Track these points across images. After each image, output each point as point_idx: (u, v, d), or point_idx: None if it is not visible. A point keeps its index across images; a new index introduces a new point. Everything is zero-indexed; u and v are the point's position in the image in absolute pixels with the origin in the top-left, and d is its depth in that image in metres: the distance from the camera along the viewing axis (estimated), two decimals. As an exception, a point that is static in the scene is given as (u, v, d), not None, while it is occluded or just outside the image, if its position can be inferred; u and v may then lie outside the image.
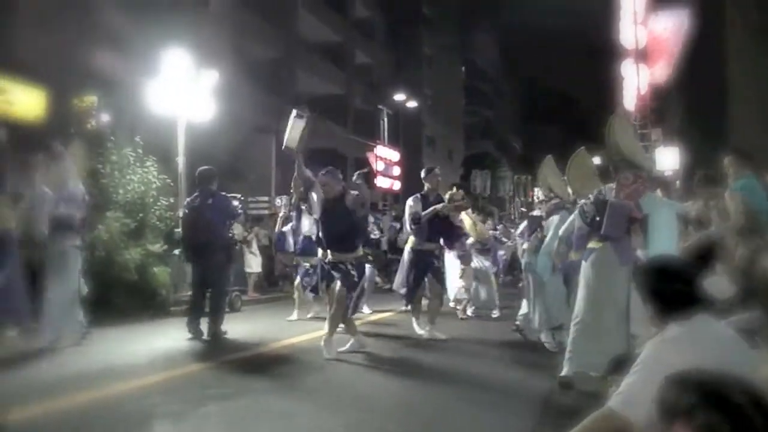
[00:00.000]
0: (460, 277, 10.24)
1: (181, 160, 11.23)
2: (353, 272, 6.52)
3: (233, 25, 23.07)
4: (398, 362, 6.43)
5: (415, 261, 7.84)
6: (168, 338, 7.46)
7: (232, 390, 5.02)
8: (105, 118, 12.25)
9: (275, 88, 27.25)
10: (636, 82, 13.83)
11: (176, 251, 10.81)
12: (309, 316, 9.77)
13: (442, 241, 8.10)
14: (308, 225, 8.96)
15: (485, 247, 10.50)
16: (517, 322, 7.73)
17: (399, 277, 8.23)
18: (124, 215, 10.80)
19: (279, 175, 21.24)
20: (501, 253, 10.92)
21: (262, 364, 6.24)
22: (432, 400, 4.77)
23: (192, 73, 11.73)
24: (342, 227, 6.50)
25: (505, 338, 7.79)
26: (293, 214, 9.83)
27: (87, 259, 9.68)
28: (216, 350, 6.96)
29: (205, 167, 8.50)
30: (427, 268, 7.83)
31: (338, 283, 6.48)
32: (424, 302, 8.28)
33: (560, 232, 6.30)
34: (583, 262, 5.12)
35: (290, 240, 10.39)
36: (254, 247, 13.94)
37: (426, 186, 8.08)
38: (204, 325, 7.69)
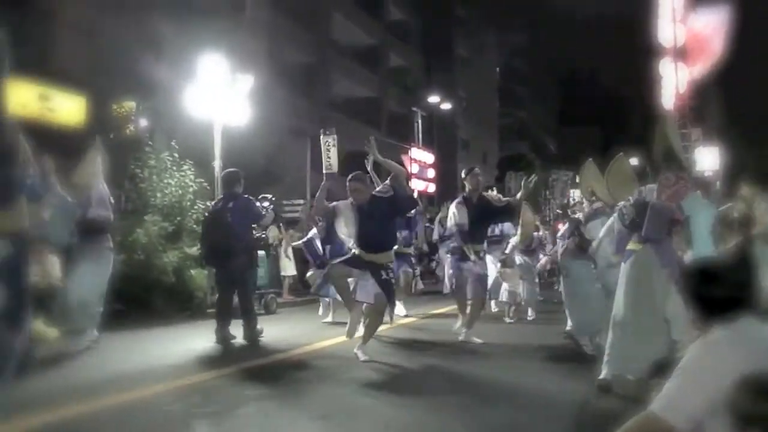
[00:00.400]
0: (504, 280, 10.05)
1: (217, 164, 11.35)
2: (391, 278, 6.44)
3: (268, 30, 23.27)
4: (433, 365, 6.39)
5: (457, 265, 7.74)
6: (205, 339, 7.51)
7: (269, 391, 5.04)
8: (143, 123, 12.44)
9: (310, 91, 27.44)
10: (675, 81, 13.58)
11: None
12: (327, 320, 9.67)
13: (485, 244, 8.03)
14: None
15: (529, 248, 10.37)
16: (568, 328, 7.63)
17: (446, 282, 8.19)
18: (162, 219, 10.97)
19: (314, 178, 21.34)
20: (541, 256, 10.71)
21: (297, 366, 6.25)
22: (466, 404, 4.73)
23: (228, 77, 11.85)
24: (381, 229, 6.41)
25: (542, 342, 7.70)
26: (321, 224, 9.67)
27: (126, 262, 9.90)
28: (251, 352, 6.99)
29: (230, 170, 8.51)
30: (468, 272, 7.68)
31: (376, 290, 6.27)
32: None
33: (600, 234, 6.23)
34: (623, 264, 5.03)
35: (318, 245, 10.43)
36: (289, 250, 14.01)
37: (467, 187, 7.86)
38: (233, 329, 7.68)
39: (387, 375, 5.73)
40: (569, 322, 7.42)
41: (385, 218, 6.44)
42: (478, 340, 7.47)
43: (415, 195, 9.33)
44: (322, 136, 7.03)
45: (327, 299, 9.40)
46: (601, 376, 4.91)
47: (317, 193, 6.87)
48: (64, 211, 6.77)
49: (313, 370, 6.05)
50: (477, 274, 7.68)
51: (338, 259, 6.80)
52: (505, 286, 10.04)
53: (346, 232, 6.61)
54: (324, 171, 6.99)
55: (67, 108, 14.24)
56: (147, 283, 10.02)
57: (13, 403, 4.50)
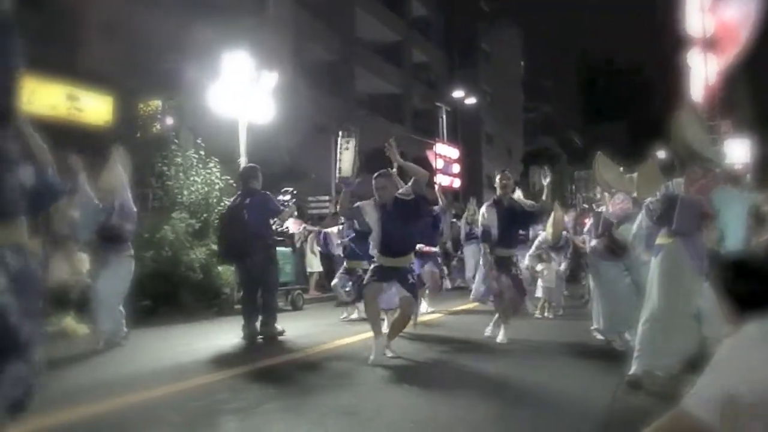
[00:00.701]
0: (539, 277, 10.04)
1: (242, 161, 11.40)
2: (415, 280, 6.35)
3: (292, 27, 23.35)
4: (459, 362, 6.36)
5: (492, 267, 7.44)
6: (232, 336, 7.56)
7: (294, 388, 5.05)
8: (169, 121, 12.55)
9: (334, 88, 27.49)
10: (703, 72, 13.30)
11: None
12: (342, 317, 9.71)
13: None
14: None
15: (558, 245, 10.26)
16: (596, 325, 7.56)
17: (475, 288, 7.87)
18: (189, 216, 11.08)
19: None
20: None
21: (322, 363, 6.25)
22: (493, 401, 4.70)
23: (252, 75, 11.90)
24: (404, 232, 6.23)
25: (569, 338, 7.64)
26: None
27: (154, 259, 10.01)
28: (277, 349, 7.02)
29: (247, 165, 8.51)
30: (504, 274, 7.40)
31: (402, 293, 6.14)
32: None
33: (633, 231, 6.15)
34: (653, 259, 4.97)
35: (335, 241, 10.42)
36: (315, 246, 14.05)
37: (498, 190, 7.62)
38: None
39: (412, 372, 5.72)
40: (598, 319, 7.35)
41: (407, 221, 6.23)
42: (504, 340, 7.26)
43: (438, 195, 9.05)
44: (340, 138, 6.82)
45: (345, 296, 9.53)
46: (631, 372, 4.85)
47: (341, 196, 6.68)
48: (89, 210, 6.93)
49: (338, 366, 6.05)
50: (511, 283, 7.40)
51: (368, 278, 6.41)
52: (540, 282, 10.01)
53: (374, 224, 6.37)
54: (337, 176, 6.75)
55: (95, 107, 14.42)
56: (174, 280, 10.12)
57: (42, 399, 4.59)
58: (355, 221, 6.81)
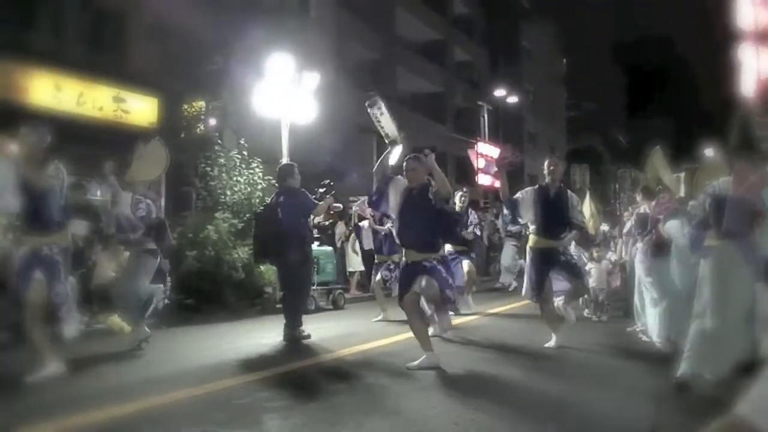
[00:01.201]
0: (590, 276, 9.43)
1: (285, 161, 11.49)
2: (439, 266, 5.77)
3: (334, 28, 23.45)
4: (501, 365, 6.30)
5: (535, 260, 6.99)
6: (274, 335, 7.58)
7: (338, 386, 5.06)
8: (213, 122, 12.71)
9: (376, 87, 27.49)
10: (755, 67, 12.87)
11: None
12: (375, 319, 9.47)
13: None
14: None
15: (594, 243, 9.89)
16: (640, 327, 7.42)
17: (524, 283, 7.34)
18: (232, 216, 11.19)
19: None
20: (609, 253, 10.25)
21: (363, 362, 6.23)
22: (538, 402, 4.64)
23: (295, 76, 11.98)
24: (424, 223, 5.78)
25: (612, 340, 7.52)
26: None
27: (197, 258, 10.13)
28: (320, 348, 7.03)
29: (284, 163, 8.49)
30: (549, 267, 6.91)
31: (420, 287, 5.77)
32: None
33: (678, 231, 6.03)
34: (702, 261, 4.85)
35: (367, 236, 10.35)
36: (356, 245, 14.05)
37: (546, 178, 7.08)
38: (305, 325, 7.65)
39: (452, 377, 5.67)
40: (644, 321, 7.21)
41: (427, 216, 5.78)
42: (551, 344, 6.85)
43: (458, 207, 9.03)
44: (369, 109, 6.55)
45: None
46: (679, 373, 4.74)
47: (384, 154, 6.30)
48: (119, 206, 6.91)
49: (378, 366, 6.02)
50: (564, 264, 6.94)
51: (399, 288, 6.17)
52: (591, 281, 9.33)
53: (394, 206, 5.99)
54: (387, 142, 6.40)
55: (141, 109, 14.68)
56: (217, 279, 10.24)
57: (84, 396, 4.68)
58: (378, 198, 6.17)
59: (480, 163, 30.80)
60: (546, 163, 7.22)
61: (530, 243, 7.21)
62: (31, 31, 13.18)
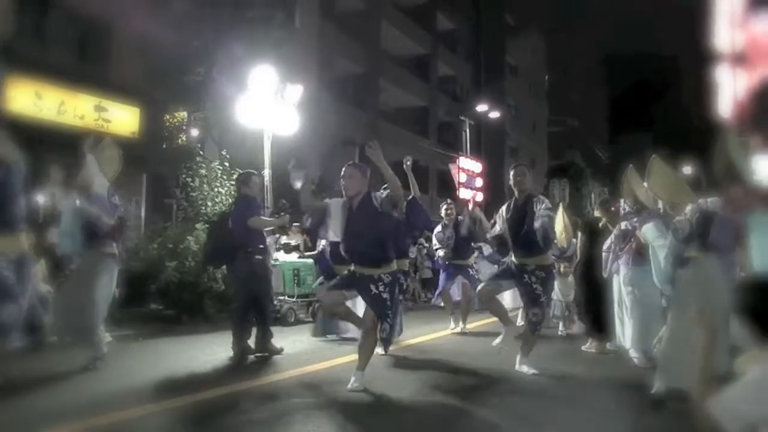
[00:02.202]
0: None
1: (267, 173, 11.48)
2: (384, 294, 5.27)
3: (318, 40, 23.53)
4: (473, 383, 6.30)
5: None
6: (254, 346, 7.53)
7: (316, 401, 5.03)
8: (195, 133, 12.69)
9: (359, 100, 27.63)
10: (732, 88, 13.08)
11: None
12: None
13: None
14: None
15: (564, 255, 9.59)
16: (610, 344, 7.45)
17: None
18: (213, 227, 11.12)
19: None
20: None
21: (342, 376, 6.22)
22: (516, 418, 4.65)
23: (278, 87, 11.99)
24: (370, 235, 5.32)
25: (587, 356, 7.55)
26: None
27: (178, 269, 10.08)
28: (300, 360, 6.97)
29: (243, 172, 7.95)
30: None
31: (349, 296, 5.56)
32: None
33: (661, 254, 6.07)
34: (680, 271, 4.92)
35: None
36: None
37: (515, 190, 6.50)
38: (282, 340, 7.55)
39: (427, 395, 5.66)
40: (618, 336, 7.21)
41: (373, 228, 5.32)
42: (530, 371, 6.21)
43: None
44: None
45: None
46: (654, 390, 4.77)
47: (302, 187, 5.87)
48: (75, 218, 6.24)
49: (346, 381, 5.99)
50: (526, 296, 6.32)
51: (322, 287, 6.10)
52: (556, 296, 9.38)
53: (337, 229, 5.58)
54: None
55: (123, 118, 14.62)
56: (198, 290, 10.19)
57: (57, 409, 4.62)
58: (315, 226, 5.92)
59: (461, 178, 30.93)
60: (512, 173, 6.54)
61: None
62: (13, 38, 13.10)
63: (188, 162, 11.88)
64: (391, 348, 6.00)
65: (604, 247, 8.09)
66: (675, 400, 4.63)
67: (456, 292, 9.98)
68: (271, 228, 8.67)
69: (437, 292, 10.03)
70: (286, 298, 10.79)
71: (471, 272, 9.61)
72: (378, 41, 29.40)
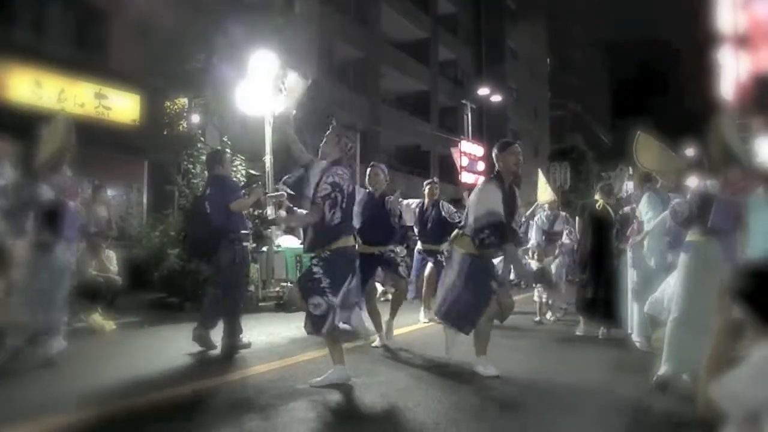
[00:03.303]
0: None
1: (268, 159, 11.44)
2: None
3: (318, 25, 23.41)
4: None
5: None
6: (256, 333, 7.54)
7: (321, 388, 5.03)
8: (195, 119, 12.63)
9: (360, 85, 27.52)
10: (735, 70, 12.99)
11: (263, 248, 11.07)
12: None
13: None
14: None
15: (552, 229, 9.45)
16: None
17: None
18: (215, 213, 11.10)
19: (363, 171, 21.38)
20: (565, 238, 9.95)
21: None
22: (515, 406, 4.66)
23: (279, 73, 11.92)
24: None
25: (584, 342, 7.57)
26: None
27: (180, 256, 10.06)
28: (299, 347, 6.97)
29: (212, 150, 7.50)
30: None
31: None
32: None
33: (650, 226, 6.06)
34: (682, 255, 4.89)
35: None
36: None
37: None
38: (253, 332, 7.21)
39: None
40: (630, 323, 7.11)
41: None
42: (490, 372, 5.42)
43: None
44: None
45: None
46: (660, 373, 4.77)
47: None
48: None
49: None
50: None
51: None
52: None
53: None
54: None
55: (123, 106, 14.59)
56: (200, 278, 10.18)
57: (63, 396, 4.64)
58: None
59: (463, 161, 30.89)
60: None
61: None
62: (12, 27, 13.04)
63: (189, 149, 11.83)
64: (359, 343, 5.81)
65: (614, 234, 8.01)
66: (679, 385, 4.62)
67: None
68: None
69: (410, 284, 8.69)
70: (289, 284, 10.81)
71: (440, 258, 8.49)
72: (378, 26, 29.26)
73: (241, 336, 6.66)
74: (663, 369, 4.77)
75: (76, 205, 6.43)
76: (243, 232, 6.82)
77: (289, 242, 12.07)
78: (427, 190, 8.88)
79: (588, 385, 5.17)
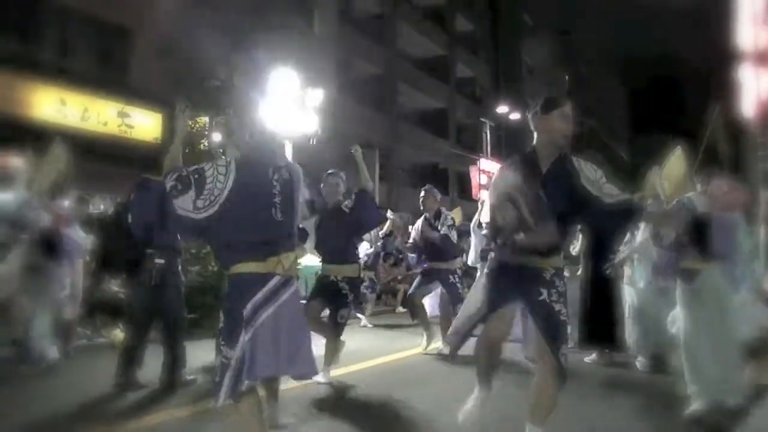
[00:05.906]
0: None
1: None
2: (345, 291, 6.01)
3: (337, 44, 23.58)
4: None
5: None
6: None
7: (339, 404, 5.03)
8: (216, 137, 12.76)
9: (378, 103, 27.63)
10: (755, 87, 12.88)
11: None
12: None
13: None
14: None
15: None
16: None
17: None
18: (234, 231, 11.18)
19: (382, 190, 21.45)
20: None
21: (370, 379, 6.21)
22: None
23: (298, 91, 12.04)
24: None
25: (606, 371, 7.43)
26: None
27: (200, 273, 10.14)
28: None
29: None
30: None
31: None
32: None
33: (627, 248, 5.97)
34: (683, 285, 4.54)
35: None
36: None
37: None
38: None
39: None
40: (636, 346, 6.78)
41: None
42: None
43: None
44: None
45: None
46: (693, 409, 4.43)
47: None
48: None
49: (388, 383, 6.00)
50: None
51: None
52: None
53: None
54: None
55: (145, 124, 14.78)
56: (220, 294, 10.23)
57: (80, 412, 4.68)
58: None
59: (482, 179, 30.86)
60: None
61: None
62: (37, 46, 13.29)
63: (210, 167, 11.95)
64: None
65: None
66: (713, 416, 4.36)
67: (433, 305, 8.56)
68: None
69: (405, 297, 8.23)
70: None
71: (452, 279, 7.59)
72: (396, 43, 29.41)
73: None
74: (697, 404, 4.44)
75: (74, 230, 6.56)
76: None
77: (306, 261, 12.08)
78: (421, 202, 8.00)
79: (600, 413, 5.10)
